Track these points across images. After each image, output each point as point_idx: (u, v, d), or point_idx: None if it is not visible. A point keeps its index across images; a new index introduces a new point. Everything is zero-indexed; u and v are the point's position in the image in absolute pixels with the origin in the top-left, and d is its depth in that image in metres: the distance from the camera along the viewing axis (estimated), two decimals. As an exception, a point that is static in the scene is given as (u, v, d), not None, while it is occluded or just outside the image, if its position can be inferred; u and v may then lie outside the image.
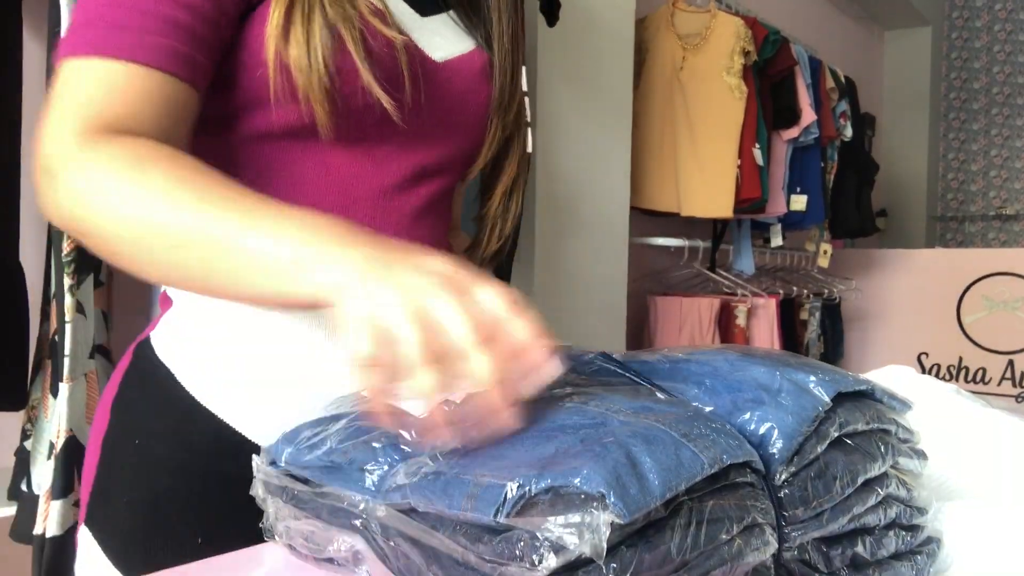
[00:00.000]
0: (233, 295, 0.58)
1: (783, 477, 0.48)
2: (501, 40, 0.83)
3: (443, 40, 0.78)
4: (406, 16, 0.75)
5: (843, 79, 3.41)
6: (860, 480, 0.51)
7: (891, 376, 0.76)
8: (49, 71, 1.29)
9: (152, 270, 0.59)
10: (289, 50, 0.65)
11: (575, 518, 0.39)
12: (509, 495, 0.41)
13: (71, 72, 0.62)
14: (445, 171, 0.80)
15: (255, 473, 0.61)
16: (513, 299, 0.48)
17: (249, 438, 0.73)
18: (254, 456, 0.62)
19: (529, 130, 0.94)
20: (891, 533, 0.55)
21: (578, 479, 0.40)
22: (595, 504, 0.39)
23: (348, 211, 0.73)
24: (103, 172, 0.58)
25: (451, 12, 0.82)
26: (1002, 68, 5.18)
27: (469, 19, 0.84)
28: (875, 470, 0.53)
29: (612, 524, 0.39)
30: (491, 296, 0.48)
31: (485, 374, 0.45)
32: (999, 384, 3.62)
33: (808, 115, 2.98)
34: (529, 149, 0.88)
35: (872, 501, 0.53)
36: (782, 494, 0.48)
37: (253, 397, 0.72)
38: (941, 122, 5.33)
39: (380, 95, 0.67)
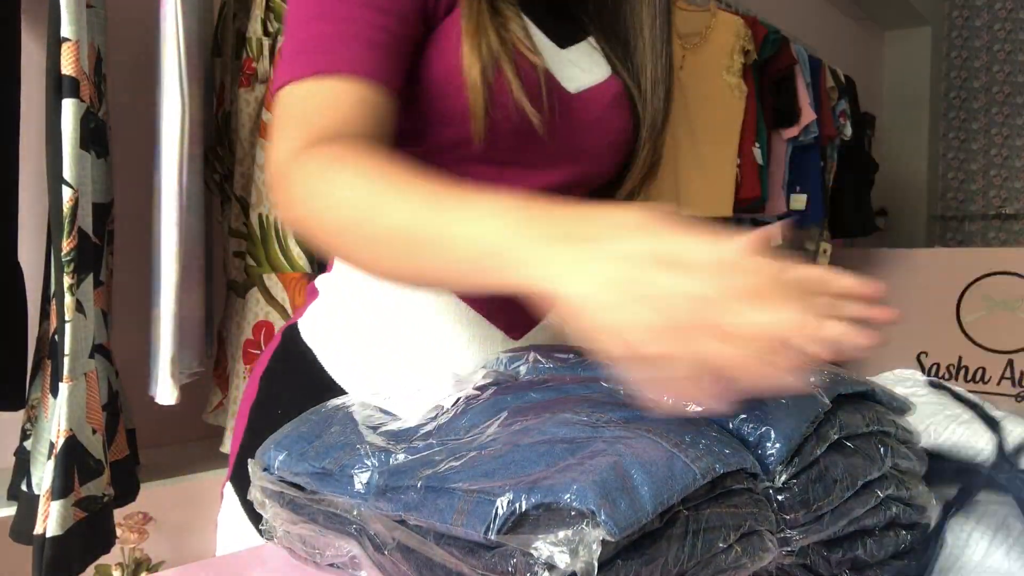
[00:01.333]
0: (442, 284, 0.63)
1: (782, 479, 0.48)
2: (655, 70, 0.88)
3: (579, 71, 0.83)
4: (546, 47, 0.81)
5: (843, 78, 3.41)
6: (860, 483, 0.51)
7: (895, 379, 0.76)
8: (48, 71, 1.29)
9: (367, 259, 0.61)
10: (469, 72, 0.72)
11: (566, 535, 0.39)
12: (500, 511, 0.41)
13: (288, 97, 0.70)
14: (570, 191, 0.84)
15: (251, 478, 0.61)
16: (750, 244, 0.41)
17: None
18: (249, 461, 0.64)
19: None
20: (891, 533, 0.55)
21: (568, 495, 0.40)
22: (586, 521, 0.39)
23: None
24: (322, 173, 0.62)
25: (590, 39, 0.88)
26: (1002, 67, 5.18)
27: (609, 44, 0.88)
28: (875, 472, 0.53)
29: (603, 541, 0.38)
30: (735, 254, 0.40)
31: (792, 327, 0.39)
32: (999, 383, 3.62)
33: (808, 114, 2.98)
34: None
35: (872, 503, 0.53)
36: (781, 497, 0.47)
37: (382, 379, 0.78)
38: (941, 121, 5.32)
39: (526, 105, 0.73)
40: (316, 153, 0.64)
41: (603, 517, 0.39)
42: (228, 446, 1.65)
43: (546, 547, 0.39)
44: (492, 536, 0.41)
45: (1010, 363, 3.62)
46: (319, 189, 0.61)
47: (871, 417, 0.54)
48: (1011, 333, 3.60)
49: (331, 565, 0.56)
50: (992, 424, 0.65)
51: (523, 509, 0.41)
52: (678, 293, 0.40)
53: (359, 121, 0.68)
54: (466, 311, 0.81)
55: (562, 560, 0.38)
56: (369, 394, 0.67)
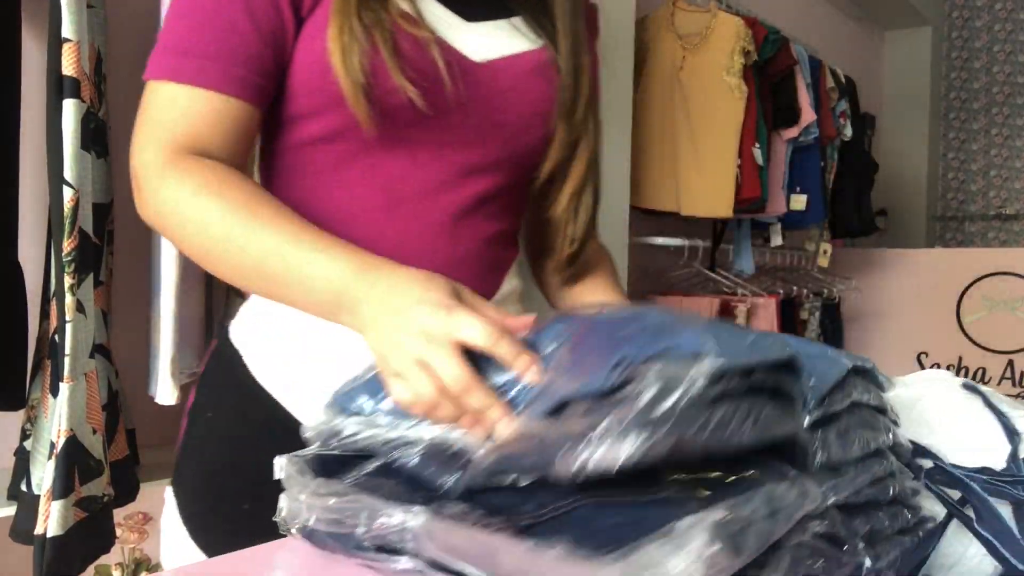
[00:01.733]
0: (289, 304, 0.71)
1: (814, 417, 0.50)
2: (564, 43, 0.86)
3: (490, 42, 0.81)
4: (445, 21, 0.79)
5: (843, 79, 3.40)
6: (873, 446, 0.53)
7: (927, 380, 0.76)
8: (49, 71, 1.29)
9: (225, 276, 0.73)
10: (332, 57, 0.72)
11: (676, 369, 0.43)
12: (620, 363, 0.45)
13: (154, 94, 0.75)
14: (492, 170, 0.82)
15: (306, 437, 0.62)
16: (493, 337, 0.54)
17: (299, 419, 0.77)
18: (305, 428, 0.65)
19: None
20: (896, 509, 0.57)
21: (680, 341, 0.44)
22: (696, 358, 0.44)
23: (393, 211, 0.79)
24: (181, 192, 0.71)
25: (515, 19, 0.85)
26: (1002, 68, 5.18)
27: (538, 23, 0.87)
28: (881, 441, 0.55)
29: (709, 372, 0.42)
30: (456, 361, 0.55)
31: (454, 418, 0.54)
32: (999, 384, 3.62)
33: (808, 115, 2.98)
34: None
35: (881, 472, 0.55)
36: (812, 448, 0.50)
37: (305, 383, 0.79)
38: (941, 122, 5.32)
39: (407, 86, 0.73)
40: (184, 169, 0.72)
41: (709, 349, 0.43)
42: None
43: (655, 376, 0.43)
44: (616, 378, 0.44)
45: (1010, 363, 3.61)
46: (189, 210, 0.71)
47: (874, 393, 0.58)
48: (1011, 334, 3.60)
49: (360, 547, 0.55)
50: (1012, 435, 0.65)
51: (641, 360, 0.45)
52: (427, 377, 0.55)
53: (221, 136, 0.74)
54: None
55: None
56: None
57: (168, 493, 0.86)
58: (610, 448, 0.41)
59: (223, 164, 0.74)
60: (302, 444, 0.72)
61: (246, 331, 0.84)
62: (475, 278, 0.81)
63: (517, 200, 0.89)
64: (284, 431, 0.76)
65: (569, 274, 0.94)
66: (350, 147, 0.78)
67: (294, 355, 0.81)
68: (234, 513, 0.79)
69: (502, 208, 0.86)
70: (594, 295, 0.95)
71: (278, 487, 0.58)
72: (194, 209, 0.71)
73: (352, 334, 0.78)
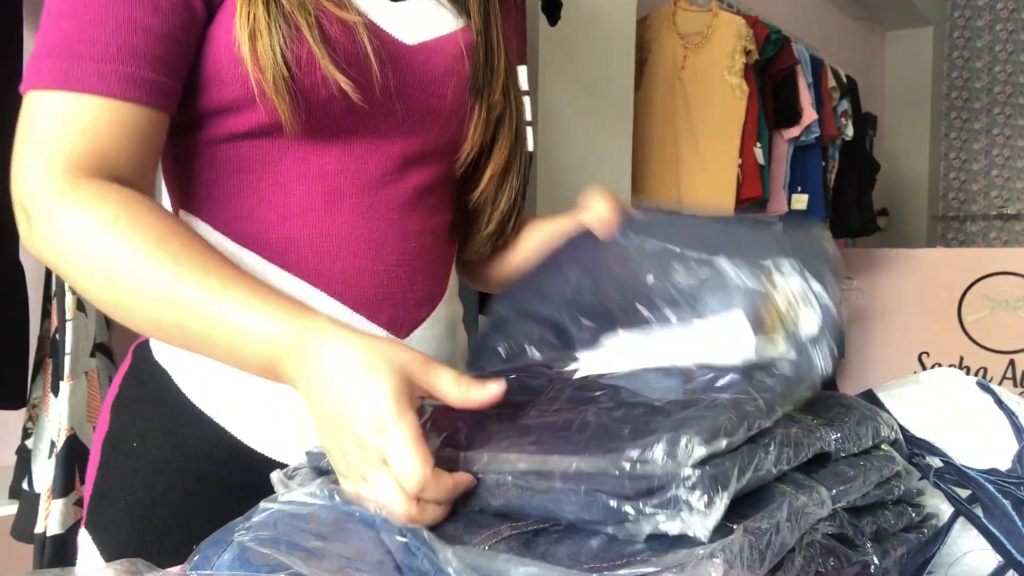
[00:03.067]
0: (207, 357, 0.62)
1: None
2: (477, 19, 0.79)
3: (420, 22, 0.75)
4: (373, 2, 0.72)
5: (844, 78, 3.40)
6: (878, 440, 0.53)
7: (939, 379, 0.76)
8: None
9: (137, 328, 0.63)
10: (251, 47, 0.64)
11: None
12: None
13: (37, 105, 0.63)
14: (431, 160, 0.77)
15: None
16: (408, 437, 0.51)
17: (243, 441, 0.72)
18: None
19: (530, 128, 0.91)
20: (902, 508, 0.57)
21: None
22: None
23: (334, 207, 0.72)
24: (74, 227, 0.60)
25: None
26: (1004, 67, 5.17)
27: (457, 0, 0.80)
28: (882, 435, 0.56)
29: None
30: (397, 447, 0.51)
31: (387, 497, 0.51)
32: (1000, 384, 3.61)
33: (809, 114, 2.98)
34: (530, 147, 0.85)
35: (887, 472, 0.55)
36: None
37: (246, 401, 0.72)
38: (942, 121, 5.32)
39: (338, 77, 0.66)
40: (88, 199, 0.60)
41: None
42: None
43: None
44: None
45: (1011, 363, 3.61)
46: (95, 249, 0.60)
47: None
48: (1013, 333, 3.60)
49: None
50: (1021, 433, 0.65)
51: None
52: (356, 455, 0.52)
53: (129, 151, 0.64)
54: (341, 310, 0.71)
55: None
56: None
57: (83, 538, 0.76)
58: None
59: (132, 190, 0.63)
60: (249, 468, 0.68)
61: (173, 348, 0.72)
62: (427, 276, 0.77)
63: (451, 193, 0.83)
64: (229, 456, 0.71)
65: (486, 253, 0.87)
66: (279, 142, 0.70)
67: (232, 372, 0.68)
68: (173, 550, 0.69)
69: (442, 199, 0.80)
70: (516, 255, 0.87)
71: (226, 516, 0.53)
72: (101, 249, 0.59)
73: None
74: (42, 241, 0.62)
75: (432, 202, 0.78)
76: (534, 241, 0.85)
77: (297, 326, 0.57)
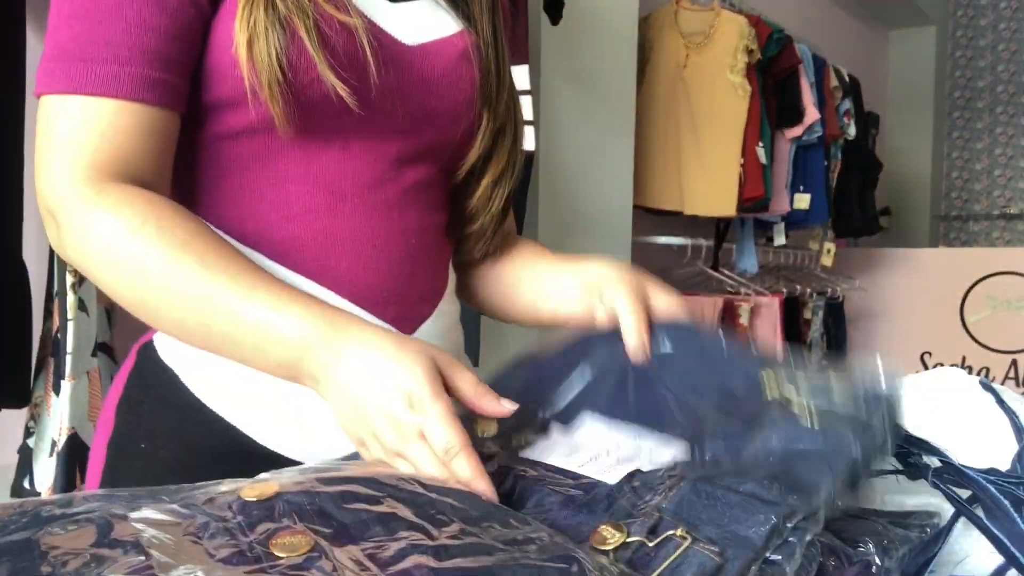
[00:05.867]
0: (227, 357, 0.64)
1: None
2: (486, 27, 0.79)
3: (419, 24, 0.75)
4: (372, 2, 0.73)
5: (847, 78, 3.40)
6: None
7: (941, 378, 0.76)
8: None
9: (163, 328, 0.67)
10: (248, 50, 0.64)
11: None
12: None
13: (54, 110, 0.64)
14: (426, 159, 0.77)
15: None
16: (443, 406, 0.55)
17: (254, 439, 0.72)
18: None
19: (532, 128, 0.92)
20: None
21: None
22: None
23: (335, 208, 0.72)
24: (103, 232, 0.62)
25: None
26: (1007, 67, 5.17)
27: (455, 3, 0.80)
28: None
29: None
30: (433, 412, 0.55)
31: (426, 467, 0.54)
32: (1002, 384, 3.61)
33: (812, 114, 2.98)
34: (531, 147, 0.85)
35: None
36: None
37: (256, 398, 0.72)
38: (945, 121, 5.31)
39: (333, 80, 0.66)
40: (115, 203, 0.62)
41: None
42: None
43: None
44: None
45: (1014, 363, 3.61)
46: (124, 252, 0.62)
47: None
48: (1015, 333, 3.59)
49: None
50: (1022, 433, 0.65)
51: None
52: (382, 438, 0.56)
53: (150, 153, 0.66)
54: (351, 309, 0.71)
55: None
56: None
57: None
58: None
59: (155, 193, 0.65)
60: (262, 466, 0.66)
61: (180, 347, 0.73)
62: (429, 272, 0.77)
63: (446, 190, 0.83)
64: (241, 455, 0.71)
65: (476, 257, 0.87)
66: (277, 140, 0.70)
67: (243, 369, 0.69)
68: None
69: (438, 196, 0.80)
70: (506, 274, 0.88)
71: None
72: (129, 253, 0.62)
73: None
74: (71, 246, 0.64)
75: (428, 199, 0.78)
76: (529, 275, 0.86)
77: (326, 323, 0.60)
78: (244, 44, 0.64)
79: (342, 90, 0.66)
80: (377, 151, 0.73)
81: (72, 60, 0.63)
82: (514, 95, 0.83)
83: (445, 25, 0.77)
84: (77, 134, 0.63)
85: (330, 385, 0.59)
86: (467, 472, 0.53)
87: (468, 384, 0.58)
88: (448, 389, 0.57)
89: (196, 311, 0.62)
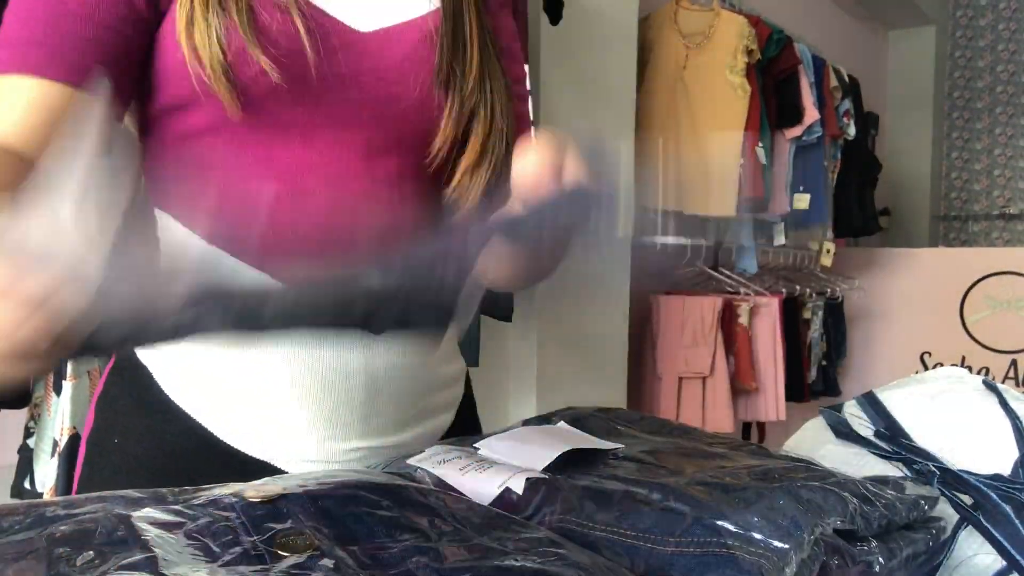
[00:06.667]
0: None
1: None
2: (445, 4, 0.75)
3: (380, 8, 0.73)
4: None
5: (847, 78, 3.40)
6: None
7: (943, 378, 0.75)
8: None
9: None
10: (188, 35, 0.65)
11: None
12: None
13: None
14: (397, 150, 0.74)
15: None
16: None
17: (224, 440, 0.72)
18: None
19: (532, 128, 0.89)
20: (909, 507, 0.56)
21: None
22: None
23: (301, 202, 0.71)
24: None
25: None
26: (1006, 67, 5.17)
27: None
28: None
29: None
30: None
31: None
32: (1002, 383, 3.61)
33: (811, 114, 2.98)
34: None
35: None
36: None
37: (227, 400, 0.72)
38: (945, 121, 5.31)
39: (261, 58, 0.65)
40: None
41: None
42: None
43: None
44: None
45: (1014, 363, 3.61)
46: None
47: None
48: (1015, 333, 3.59)
49: None
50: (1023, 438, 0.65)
51: None
52: None
53: (34, 128, 0.64)
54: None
55: None
56: None
57: None
58: None
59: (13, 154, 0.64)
60: (230, 466, 0.68)
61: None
62: None
63: (426, 183, 0.79)
64: (210, 454, 0.71)
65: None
66: (237, 137, 0.70)
67: (212, 370, 0.71)
68: None
69: (414, 191, 0.77)
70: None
71: None
72: None
73: (277, 347, 0.71)
74: None
75: (404, 193, 0.75)
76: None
77: None
78: (184, 30, 0.65)
79: (267, 66, 0.66)
80: (342, 143, 0.72)
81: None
82: (494, 79, 0.77)
83: (412, 6, 0.74)
84: None
85: None
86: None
87: None
88: None
89: None
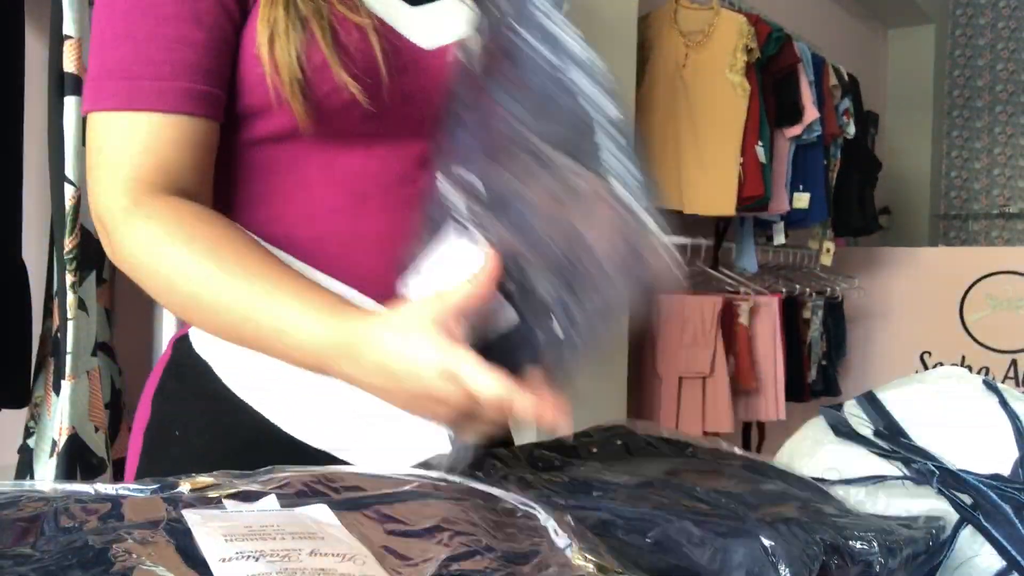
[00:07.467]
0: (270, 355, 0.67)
1: None
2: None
3: (440, 26, 0.76)
4: (391, 5, 0.74)
5: (846, 76, 3.40)
6: None
7: (943, 377, 0.75)
8: (51, 70, 1.29)
9: (201, 327, 0.71)
10: (270, 49, 0.67)
11: None
12: None
13: (102, 127, 0.68)
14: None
15: None
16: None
17: (286, 431, 0.74)
18: None
19: None
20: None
21: None
22: None
23: (359, 208, 0.75)
24: (140, 242, 0.66)
25: None
26: (1006, 65, 5.17)
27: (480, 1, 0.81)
28: None
29: None
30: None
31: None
32: (1002, 383, 3.61)
33: (811, 113, 2.97)
34: None
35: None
36: None
37: (288, 390, 0.74)
38: (944, 120, 5.31)
39: (348, 82, 0.68)
40: (149, 214, 0.66)
41: None
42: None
43: None
44: None
45: (1013, 363, 3.61)
46: (156, 262, 0.66)
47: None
48: (1015, 333, 3.59)
49: None
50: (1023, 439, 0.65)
51: None
52: (446, 411, 0.59)
53: (192, 162, 0.69)
54: (374, 306, 0.73)
55: None
56: None
57: None
58: None
59: (191, 202, 0.69)
60: (292, 456, 0.68)
61: (213, 340, 0.76)
62: None
63: None
64: (271, 445, 0.73)
65: None
66: (302, 145, 0.73)
67: (275, 362, 0.72)
68: None
69: None
70: None
71: None
72: (160, 262, 0.66)
73: None
74: (117, 255, 0.69)
75: None
76: None
77: (338, 330, 0.61)
78: (266, 44, 0.67)
79: (353, 87, 0.68)
80: (398, 153, 0.76)
81: (118, 78, 0.67)
82: None
83: (466, 24, 0.77)
84: (123, 148, 0.67)
85: (367, 387, 0.62)
86: (528, 406, 0.55)
87: (462, 289, 0.59)
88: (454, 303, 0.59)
89: (221, 318, 0.65)
